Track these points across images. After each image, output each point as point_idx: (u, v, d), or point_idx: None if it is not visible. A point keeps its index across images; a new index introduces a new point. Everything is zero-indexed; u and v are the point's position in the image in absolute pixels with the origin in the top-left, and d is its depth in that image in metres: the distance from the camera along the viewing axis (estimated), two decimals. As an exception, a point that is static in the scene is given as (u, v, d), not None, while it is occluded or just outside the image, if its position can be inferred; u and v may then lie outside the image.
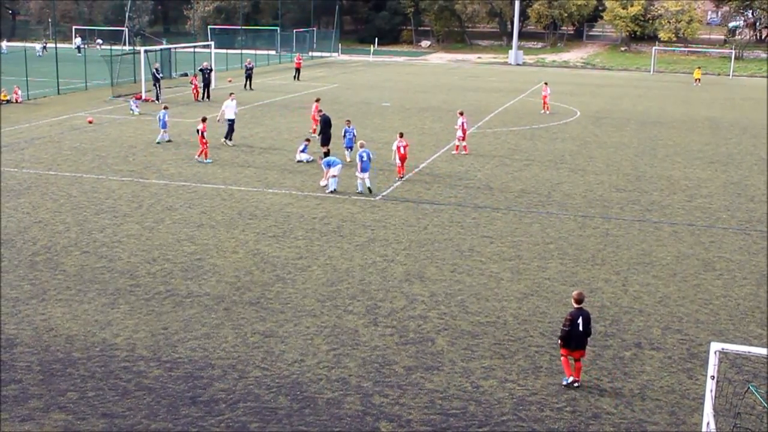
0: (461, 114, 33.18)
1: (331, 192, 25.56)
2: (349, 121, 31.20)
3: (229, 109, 33.25)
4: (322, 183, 26.30)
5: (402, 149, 27.69)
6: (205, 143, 30.02)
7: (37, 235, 20.72)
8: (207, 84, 48.74)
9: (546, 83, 48.58)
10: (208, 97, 48.20)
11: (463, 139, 33.04)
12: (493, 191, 26.54)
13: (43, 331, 14.89)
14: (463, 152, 32.88)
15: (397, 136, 28.15)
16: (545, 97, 47.01)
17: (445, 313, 16.23)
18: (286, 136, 36.17)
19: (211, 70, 49.92)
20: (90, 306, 16.13)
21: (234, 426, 11.84)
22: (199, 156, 30.21)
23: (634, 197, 26.24)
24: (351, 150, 29.88)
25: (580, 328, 13.18)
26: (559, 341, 13.40)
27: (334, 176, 25.70)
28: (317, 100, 36.10)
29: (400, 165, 27.85)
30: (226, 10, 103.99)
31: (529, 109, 48.09)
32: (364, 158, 25.38)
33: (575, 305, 13.32)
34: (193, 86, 48.99)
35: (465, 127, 32.99)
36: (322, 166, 26.30)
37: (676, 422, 12.33)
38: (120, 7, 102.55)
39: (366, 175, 25.55)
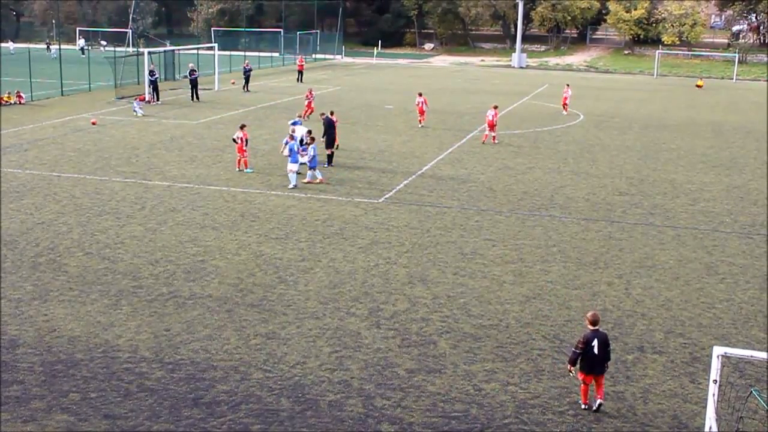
0: (495, 107, 36.54)
1: (294, 187, 26.23)
2: (312, 138, 27.33)
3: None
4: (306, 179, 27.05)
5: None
6: (244, 151, 28.57)
7: (40, 236, 20.75)
8: (194, 86, 48.68)
9: (568, 84, 48.93)
10: (197, 98, 48.36)
11: (491, 129, 36.17)
12: (495, 194, 26.53)
13: (45, 332, 14.91)
14: (491, 142, 36.23)
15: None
16: (565, 98, 47.15)
17: (448, 315, 16.22)
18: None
19: (195, 71, 49.43)
20: (92, 307, 16.14)
21: (236, 428, 11.84)
22: (239, 167, 28.71)
23: (637, 201, 26.22)
24: (314, 170, 27.12)
25: (596, 350, 12.25)
26: (571, 364, 12.52)
27: (292, 171, 26.26)
28: (420, 95, 40.58)
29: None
30: (230, 12, 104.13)
31: (532, 112, 48.08)
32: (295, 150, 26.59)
33: (590, 327, 12.37)
34: (307, 102, 42.51)
35: (494, 119, 36.03)
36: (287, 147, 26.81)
37: (679, 426, 12.31)
38: (124, 9, 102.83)
39: (295, 167, 26.40)
